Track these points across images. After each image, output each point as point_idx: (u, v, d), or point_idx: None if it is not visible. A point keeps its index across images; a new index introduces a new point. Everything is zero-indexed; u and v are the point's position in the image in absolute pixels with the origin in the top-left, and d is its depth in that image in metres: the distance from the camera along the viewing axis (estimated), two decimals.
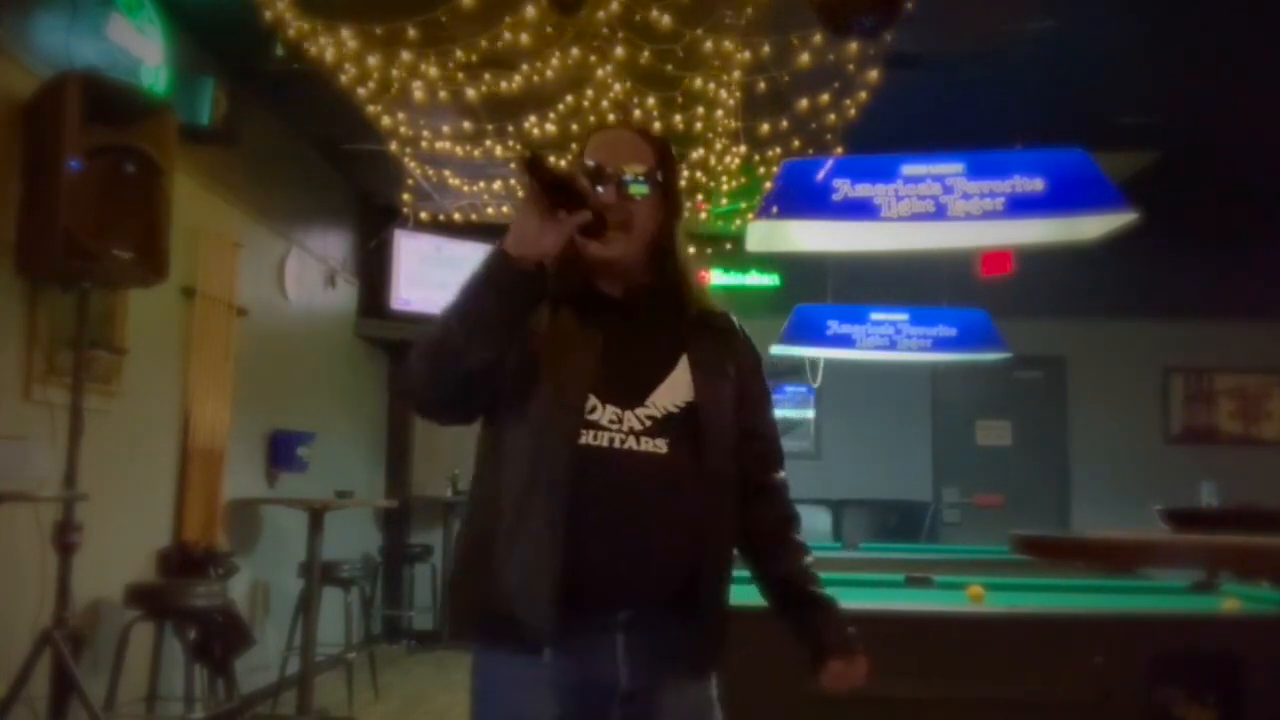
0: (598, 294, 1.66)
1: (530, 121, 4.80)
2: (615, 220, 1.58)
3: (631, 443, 1.55)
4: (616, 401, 1.57)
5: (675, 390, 1.61)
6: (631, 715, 1.58)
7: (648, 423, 1.57)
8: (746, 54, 4.08)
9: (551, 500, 1.52)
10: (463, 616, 1.63)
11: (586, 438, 1.54)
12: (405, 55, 4.05)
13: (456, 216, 6.70)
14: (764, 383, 1.78)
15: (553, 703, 1.54)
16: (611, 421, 1.56)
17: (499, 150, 5.12)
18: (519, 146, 5.05)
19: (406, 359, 1.60)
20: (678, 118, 4.59)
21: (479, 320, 1.51)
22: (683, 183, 5.42)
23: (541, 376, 1.57)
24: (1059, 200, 3.94)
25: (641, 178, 1.63)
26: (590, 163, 1.62)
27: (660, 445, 1.56)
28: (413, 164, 5.86)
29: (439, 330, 1.55)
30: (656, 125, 4.73)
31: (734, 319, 1.77)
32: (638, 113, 4.53)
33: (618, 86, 4.30)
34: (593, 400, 1.56)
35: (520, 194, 1.52)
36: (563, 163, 1.52)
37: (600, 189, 1.59)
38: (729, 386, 1.67)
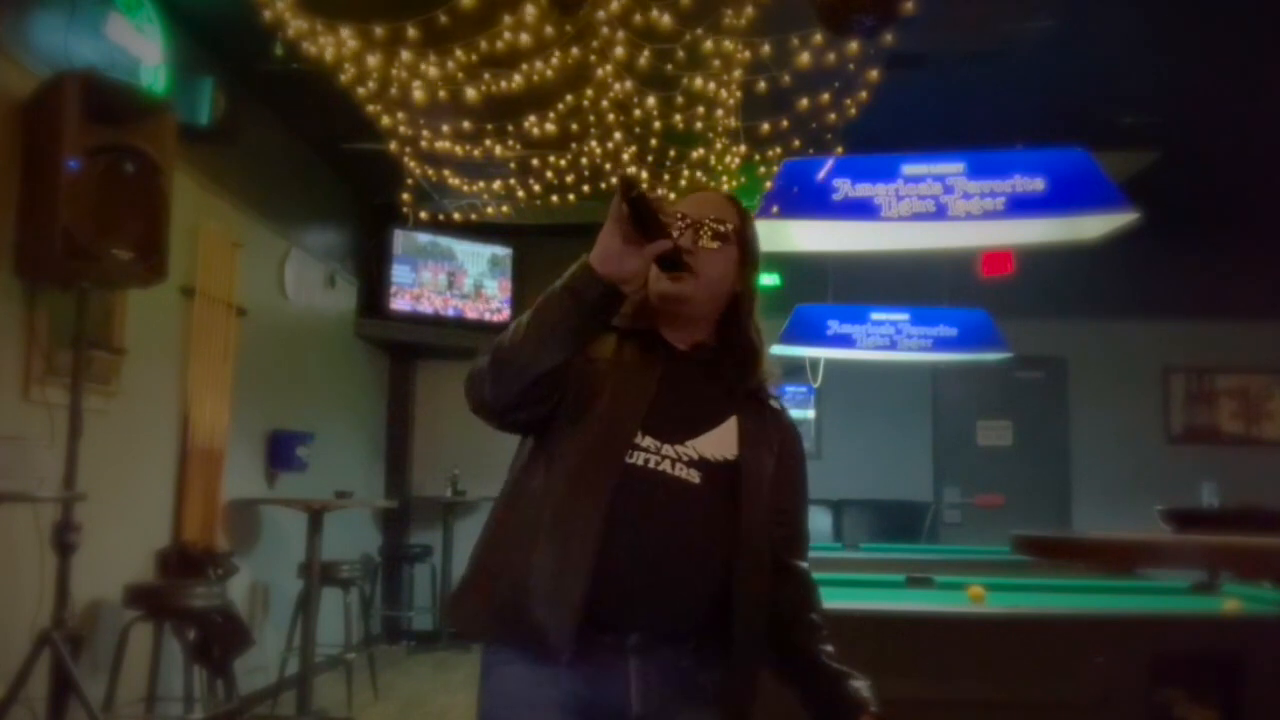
0: (662, 341, 1.72)
1: (530, 121, 4.79)
2: (691, 264, 1.64)
3: (666, 466, 1.60)
4: (657, 435, 1.62)
5: (720, 444, 1.65)
6: None
7: (684, 457, 1.62)
8: (746, 54, 4.07)
9: (586, 512, 1.54)
10: (475, 618, 1.63)
11: (625, 455, 1.59)
12: (405, 55, 4.04)
13: (456, 216, 6.70)
14: (804, 474, 1.82)
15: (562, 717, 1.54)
16: (649, 447, 1.61)
17: (499, 150, 5.12)
18: (518, 146, 5.04)
19: (475, 364, 1.65)
20: (678, 118, 4.59)
21: (555, 326, 1.56)
22: (682, 182, 5.46)
23: (597, 404, 1.62)
24: (1059, 200, 3.93)
25: (722, 227, 1.70)
26: (678, 212, 1.69)
27: (693, 476, 1.60)
28: (413, 164, 5.86)
29: (514, 335, 1.59)
30: (657, 125, 4.73)
31: (785, 408, 1.82)
32: (638, 112, 4.53)
33: (618, 86, 4.29)
34: (637, 430, 1.61)
35: (610, 213, 1.55)
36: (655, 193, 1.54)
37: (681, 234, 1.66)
38: (771, 461, 1.71)
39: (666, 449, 1.61)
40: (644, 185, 1.54)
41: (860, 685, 1.64)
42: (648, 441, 1.61)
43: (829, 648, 1.70)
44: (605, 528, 1.53)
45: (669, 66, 4.14)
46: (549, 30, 3.85)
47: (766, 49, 4.02)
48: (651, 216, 1.53)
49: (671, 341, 1.72)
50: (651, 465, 1.59)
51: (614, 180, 5.66)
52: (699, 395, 1.69)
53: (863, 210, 4.05)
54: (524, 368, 1.57)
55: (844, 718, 1.60)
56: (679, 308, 1.70)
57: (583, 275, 1.55)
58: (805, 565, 1.79)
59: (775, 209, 4.18)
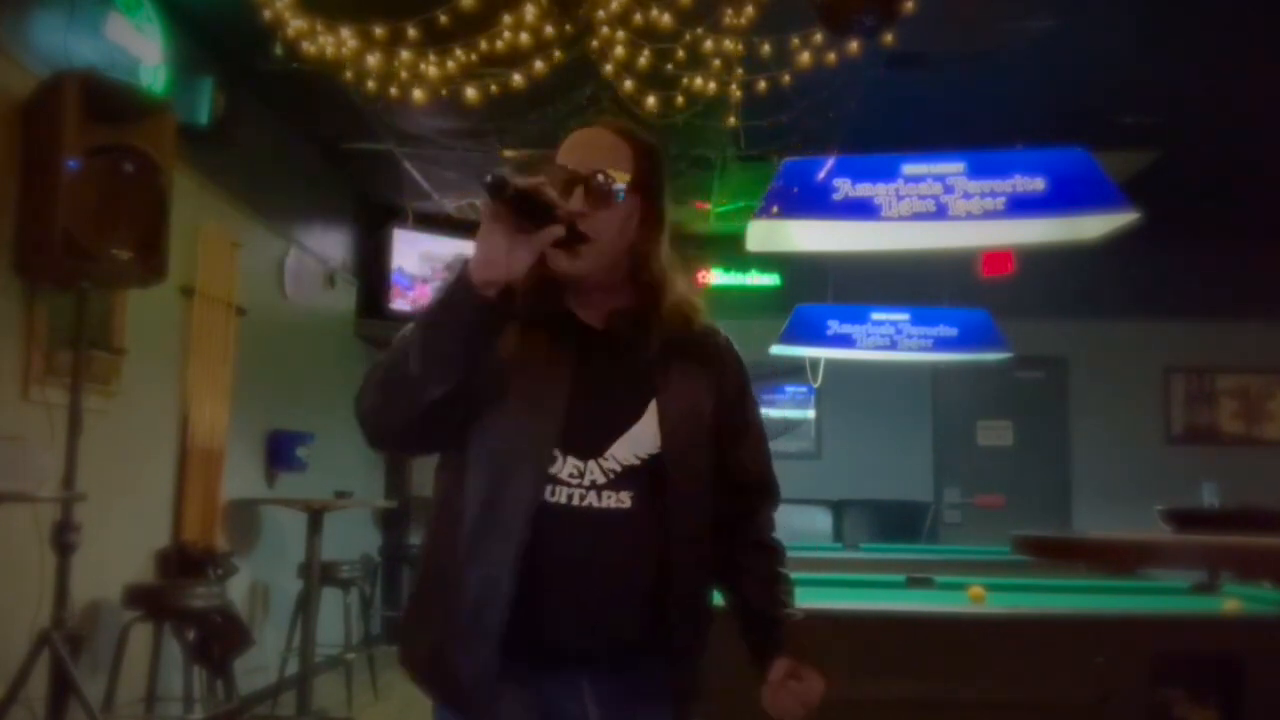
0: (573, 321, 1.53)
1: (530, 120, 4.79)
2: (583, 229, 1.43)
3: (592, 498, 1.46)
4: (578, 453, 1.47)
5: (639, 441, 1.50)
6: None
7: (610, 475, 1.47)
8: (746, 54, 4.07)
9: (504, 554, 1.43)
10: (413, 663, 1.56)
11: (545, 493, 1.45)
12: (405, 55, 4.04)
13: (456, 215, 6.70)
14: (751, 409, 1.67)
15: None
16: (572, 476, 1.46)
17: (499, 149, 5.12)
18: (506, 153, 5.04)
19: (361, 385, 1.48)
20: (678, 117, 4.58)
21: (436, 352, 1.37)
22: (682, 182, 5.45)
23: (503, 418, 1.46)
24: (1060, 200, 3.94)
25: (613, 183, 1.48)
26: (559, 168, 1.49)
27: (624, 499, 1.47)
28: (412, 164, 5.86)
29: (393, 358, 1.42)
30: (656, 125, 4.72)
31: (722, 338, 1.65)
32: (638, 111, 4.52)
33: (618, 86, 4.29)
34: (555, 452, 1.46)
35: (483, 214, 1.36)
36: (527, 177, 1.35)
37: (570, 192, 1.47)
38: (703, 427, 1.56)
39: (591, 469, 1.46)
40: (511, 179, 1.31)
41: (789, 638, 1.55)
42: (569, 468, 1.46)
43: (777, 589, 1.61)
44: (531, 573, 1.42)
45: (669, 66, 4.14)
46: (549, 30, 3.85)
47: (766, 49, 4.01)
48: (534, 204, 1.33)
49: (584, 319, 1.53)
50: (575, 502, 1.45)
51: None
52: (618, 382, 1.52)
53: (863, 210, 4.05)
54: (410, 398, 1.40)
55: (766, 670, 1.54)
56: (584, 282, 1.51)
57: (460, 290, 1.34)
58: (766, 510, 1.68)
59: (775, 209, 4.18)
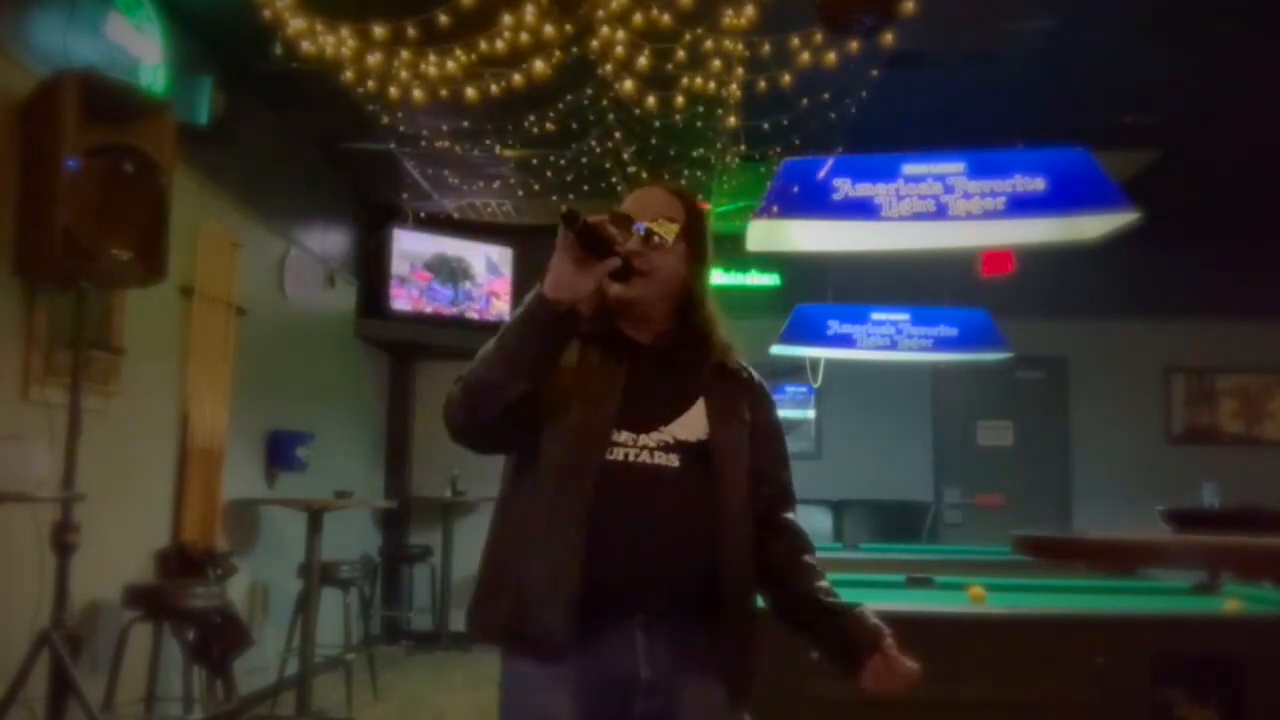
0: (624, 338, 1.79)
1: (530, 120, 4.79)
2: (640, 266, 1.72)
3: (645, 456, 1.68)
4: (632, 428, 1.70)
5: (690, 427, 1.73)
6: (653, 706, 1.66)
7: (660, 444, 1.70)
8: (747, 53, 4.07)
9: (573, 517, 1.63)
10: (487, 628, 1.73)
11: (605, 454, 1.67)
12: (405, 55, 4.04)
13: (456, 215, 6.70)
14: (780, 434, 1.89)
15: (574, 698, 1.64)
16: (627, 442, 1.69)
17: (499, 150, 5.12)
18: (518, 145, 5.04)
19: (448, 393, 1.73)
20: (678, 117, 4.59)
21: (518, 355, 1.65)
22: (682, 181, 5.46)
23: (567, 410, 1.70)
24: (1060, 200, 3.94)
25: (666, 229, 1.77)
26: (620, 212, 1.78)
27: (673, 460, 1.69)
28: (412, 164, 5.86)
29: (481, 365, 1.68)
30: (656, 125, 4.73)
31: (753, 374, 1.87)
32: (638, 112, 4.53)
33: (618, 86, 4.29)
34: (612, 430, 1.69)
35: (558, 243, 1.65)
36: (595, 216, 1.67)
37: (630, 235, 1.75)
38: (743, 431, 1.79)
39: (644, 439, 1.69)
40: (582, 213, 1.62)
41: (869, 617, 1.70)
42: (624, 436, 1.69)
43: (825, 584, 1.78)
44: (593, 526, 1.62)
45: (669, 66, 4.14)
46: (549, 30, 3.85)
47: (766, 49, 4.01)
48: (598, 238, 1.61)
49: (634, 337, 1.80)
50: (630, 459, 1.68)
51: (614, 179, 5.67)
52: (666, 384, 1.77)
53: (863, 210, 4.06)
54: (495, 397, 1.66)
55: (858, 651, 1.67)
56: (635, 309, 1.78)
57: (539, 305, 1.63)
58: (793, 517, 1.86)
59: (775, 209, 4.18)
